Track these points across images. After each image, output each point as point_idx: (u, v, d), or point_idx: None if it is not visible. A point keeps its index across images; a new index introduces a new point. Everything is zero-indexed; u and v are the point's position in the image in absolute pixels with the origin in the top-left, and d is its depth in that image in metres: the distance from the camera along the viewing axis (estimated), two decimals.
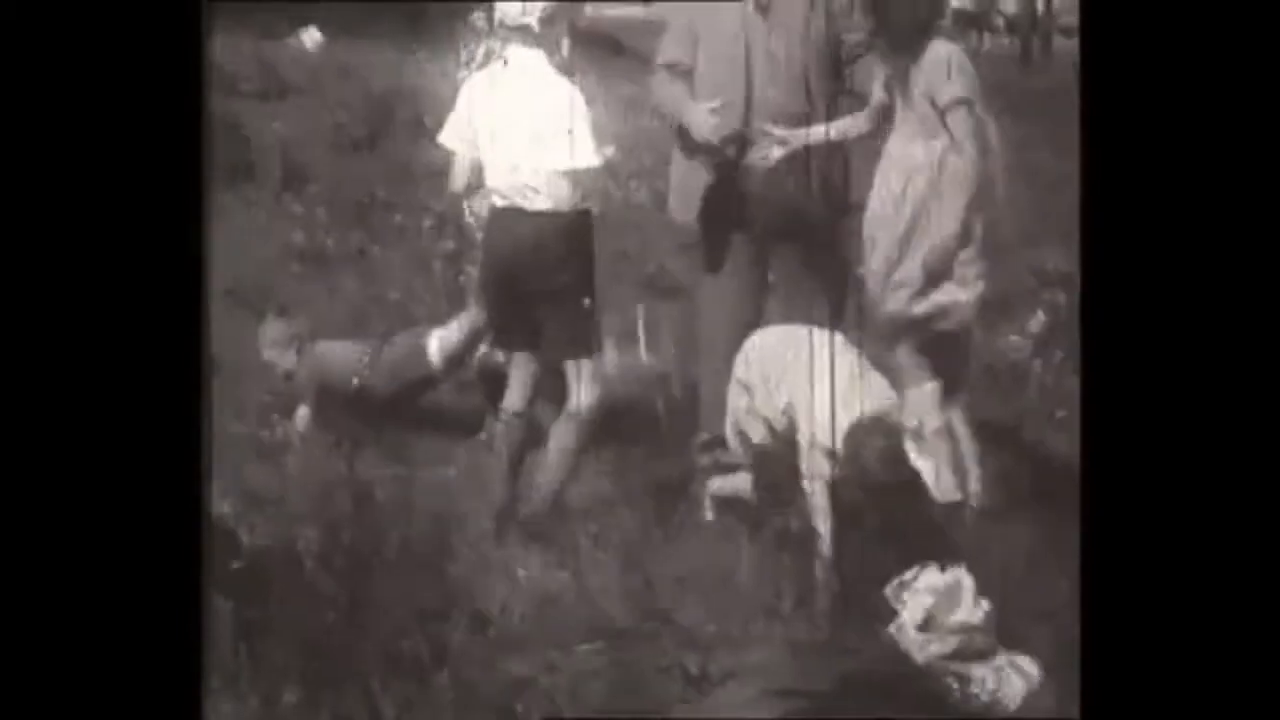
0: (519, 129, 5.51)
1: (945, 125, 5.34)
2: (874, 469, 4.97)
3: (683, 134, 6.00)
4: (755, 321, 5.94)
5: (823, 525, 5.24)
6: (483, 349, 6.50)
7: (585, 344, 5.63)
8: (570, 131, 5.39)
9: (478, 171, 5.70)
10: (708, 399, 6.08)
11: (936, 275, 5.44)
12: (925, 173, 5.40)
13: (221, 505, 5.07)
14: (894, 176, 5.49)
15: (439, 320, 6.89)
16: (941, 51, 5.42)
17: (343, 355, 6.44)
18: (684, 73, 6.03)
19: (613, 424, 6.01)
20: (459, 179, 5.73)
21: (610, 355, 6.27)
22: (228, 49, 19.10)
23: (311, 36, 20.48)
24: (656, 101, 6.26)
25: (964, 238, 5.38)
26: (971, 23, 29.01)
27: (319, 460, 5.96)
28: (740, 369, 5.56)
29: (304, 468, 5.86)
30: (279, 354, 6.46)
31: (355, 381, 6.32)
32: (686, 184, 6.09)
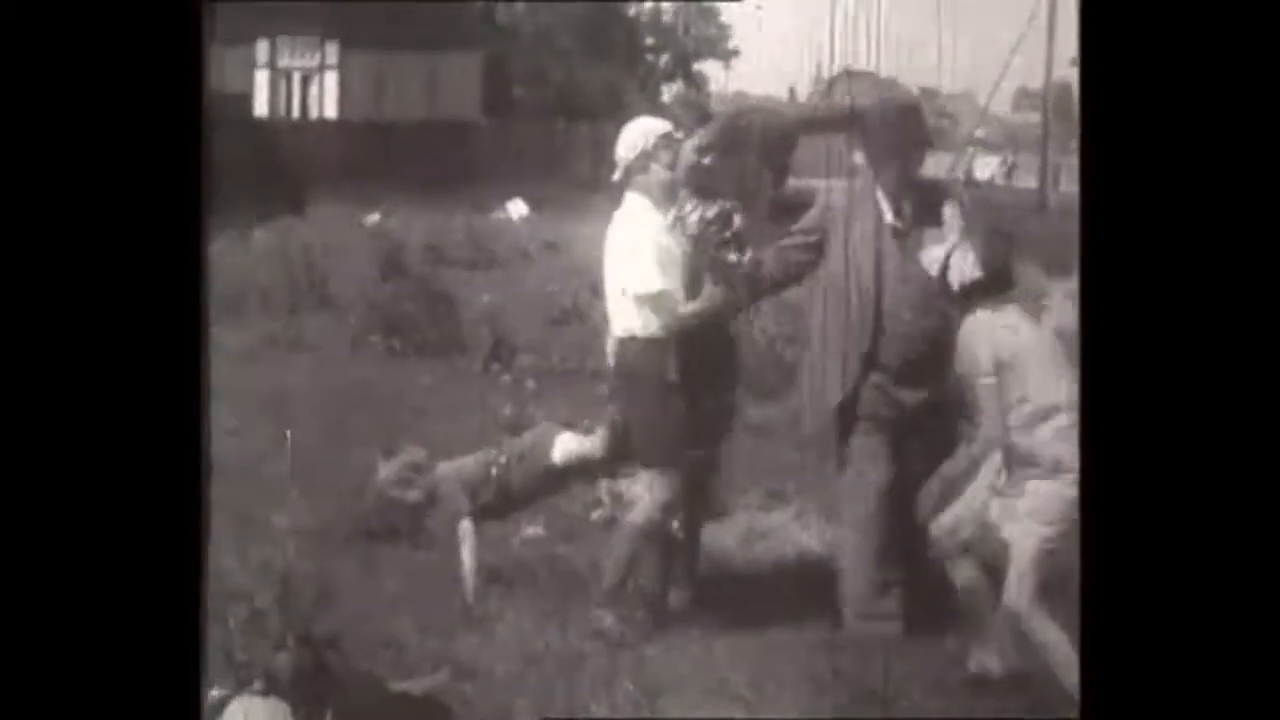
0: None
1: None
2: None
3: None
4: None
5: None
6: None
7: None
8: None
9: None
10: None
11: None
12: None
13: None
14: None
15: None
16: None
17: (469, 466, 6.44)
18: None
19: None
20: None
21: None
22: (437, 220, 19.87)
23: (518, 208, 21.02)
24: None
25: None
26: None
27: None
28: None
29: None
30: (401, 491, 6.44)
31: (493, 472, 6.30)
32: None
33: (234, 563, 6.15)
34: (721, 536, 6.78)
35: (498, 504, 6.31)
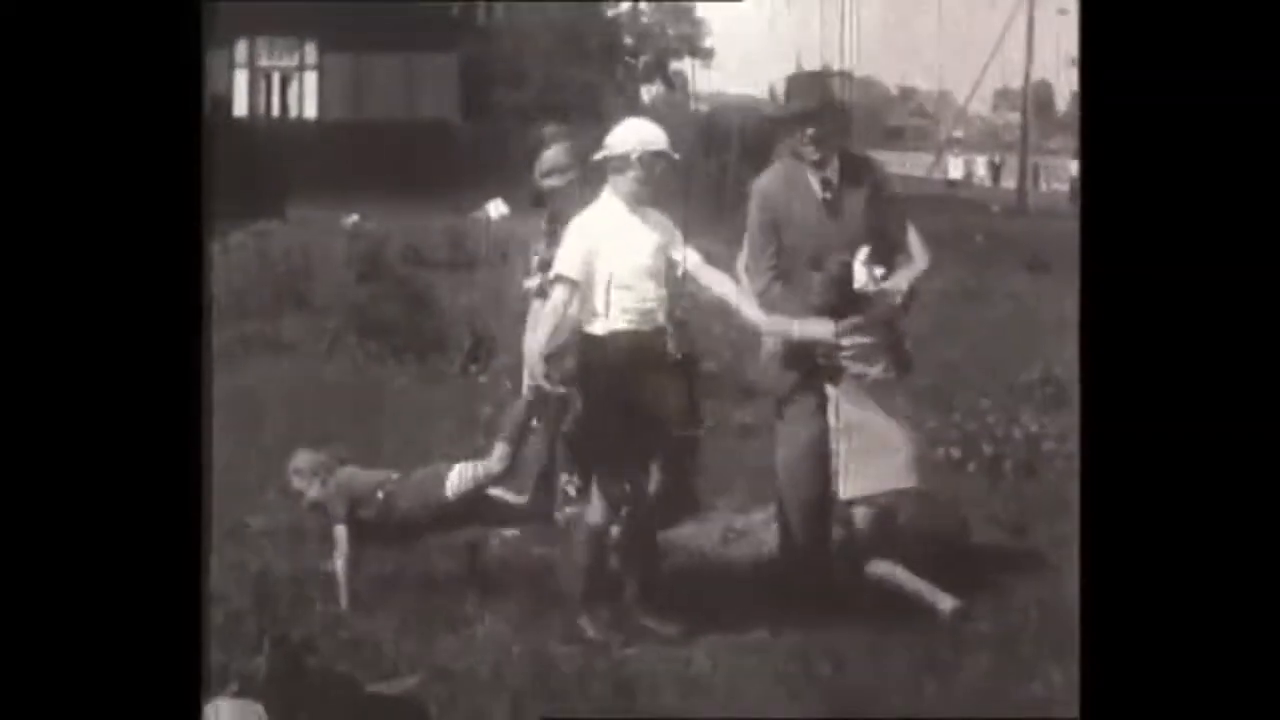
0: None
1: None
2: None
3: None
4: None
5: None
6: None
7: None
8: None
9: None
10: None
11: None
12: None
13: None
14: None
15: None
16: None
17: (360, 478, 6.42)
18: None
19: None
20: None
21: None
22: (416, 221, 19.84)
23: (497, 208, 20.98)
24: None
25: None
26: None
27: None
28: None
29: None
30: (305, 483, 6.41)
31: (379, 494, 6.28)
32: None
33: (210, 565, 6.15)
34: (698, 536, 6.79)
35: (378, 523, 6.24)
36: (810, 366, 6.11)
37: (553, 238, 6.20)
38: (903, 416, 6.13)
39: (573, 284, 5.80)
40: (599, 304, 5.81)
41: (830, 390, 6.10)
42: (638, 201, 5.90)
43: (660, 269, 5.89)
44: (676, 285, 5.93)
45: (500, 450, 6.21)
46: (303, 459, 6.42)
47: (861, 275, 6.03)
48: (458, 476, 6.26)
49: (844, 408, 6.08)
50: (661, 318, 5.87)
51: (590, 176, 6.14)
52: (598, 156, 5.96)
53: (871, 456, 6.06)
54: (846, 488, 6.08)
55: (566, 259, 5.83)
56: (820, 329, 6.02)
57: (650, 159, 5.86)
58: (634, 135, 5.91)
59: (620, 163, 5.87)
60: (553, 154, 6.40)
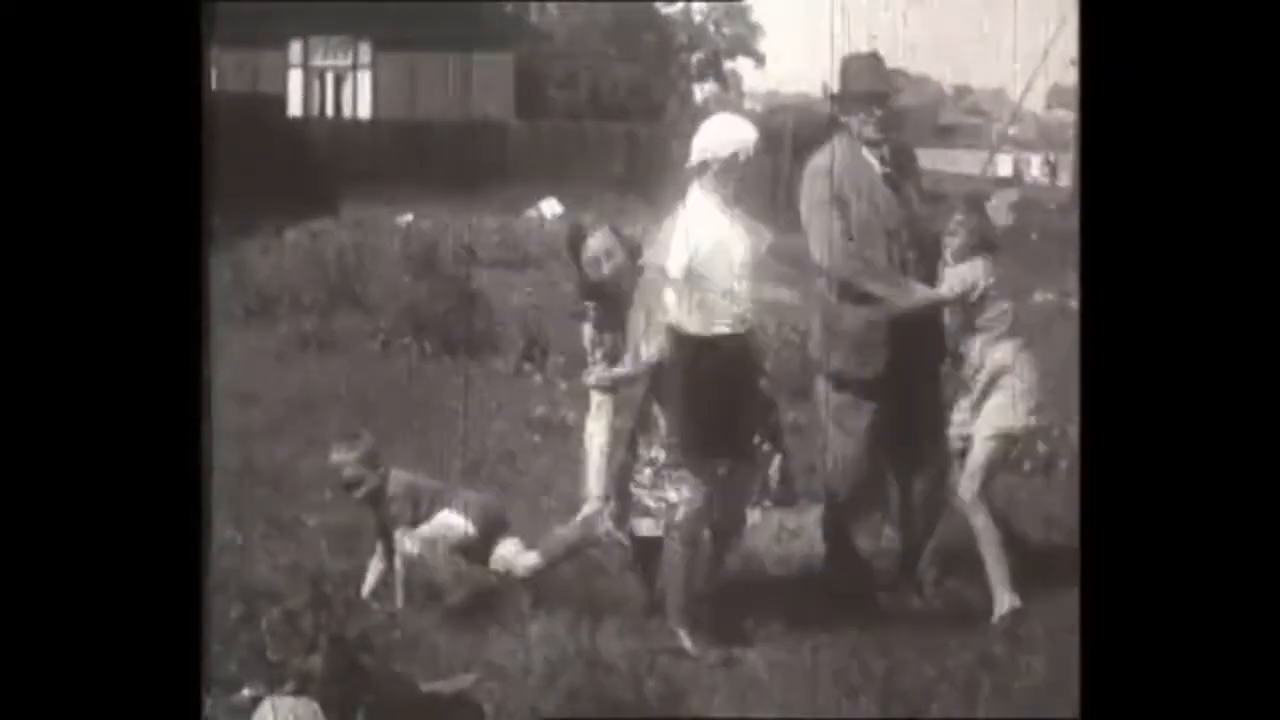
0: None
1: None
2: None
3: None
4: None
5: None
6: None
7: None
8: None
9: None
10: None
11: None
12: None
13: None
14: None
15: None
16: None
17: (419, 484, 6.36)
18: None
19: None
20: None
21: None
22: (470, 220, 19.89)
23: (551, 207, 21.03)
24: None
25: None
26: None
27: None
28: None
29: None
30: (356, 472, 6.30)
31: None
32: None
33: (266, 564, 6.18)
34: (750, 535, 6.78)
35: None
36: (918, 335, 6.18)
37: (609, 327, 6.18)
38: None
39: (675, 283, 5.76)
40: (698, 304, 5.77)
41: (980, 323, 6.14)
42: (732, 202, 5.85)
43: (753, 268, 5.85)
44: (762, 286, 5.91)
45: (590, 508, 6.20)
46: (345, 454, 6.34)
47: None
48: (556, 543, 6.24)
49: (980, 344, 6.15)
50: (755, 318, 5.88)
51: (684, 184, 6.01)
52: (696, 160, 5.86)
53: (1001, 393, 6.14)
54: (978, 423, 6.14)
55: (668, 258, 5.78)
56: (971, 272, 6.09)
57: (748, 157, 5.83)
58: (732, 135, 5.85)
59: (725, 164, 5.82)
60: (598, 241, 6.21)
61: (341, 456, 6.22)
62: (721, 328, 5.78)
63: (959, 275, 6.13)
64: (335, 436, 6.46)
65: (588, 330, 6.34)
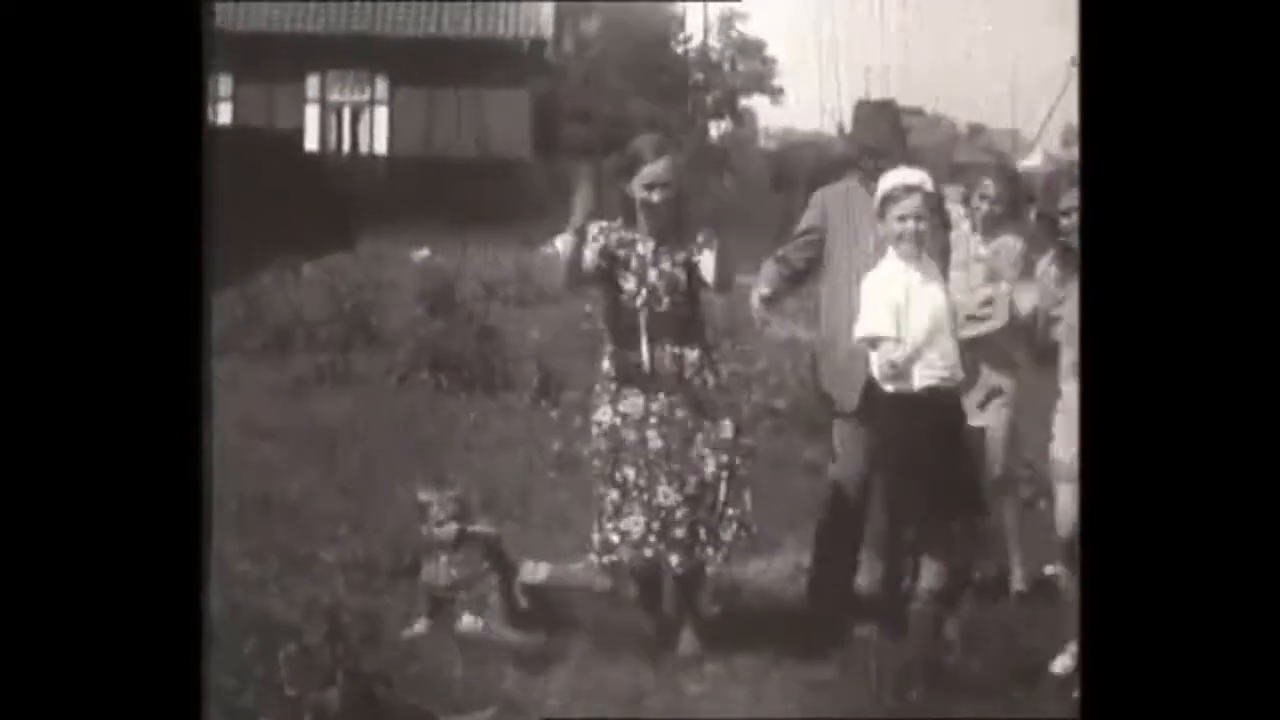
0: None
1: None
2: None
3: None
4: None
5: None
6: None
7: None
8: None
9: None
10: None
11: None
12: None
13: None
14: None
15: None
16: None
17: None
18: None
19: None
20: None
21: None
22: (486, 256, 19.96)
23: (566, 242, 21.02)
24: None
25: None
26: None
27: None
28: None
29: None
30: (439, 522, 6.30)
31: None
32: None
33: (282, 599, 6.16)
34: (767, 573, 6.76)
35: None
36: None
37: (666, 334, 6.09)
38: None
39: (890, 342, 5.49)
40: (907, 360, 5.50)
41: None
42: (915, 253, 5.61)
43: (948, 318, 5.62)
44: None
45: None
46: (434, 497, 6.34)
47: None
48: None
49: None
50: (960, 372, 5.67)
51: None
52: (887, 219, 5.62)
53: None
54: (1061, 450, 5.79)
55: (877, 318, 5.53)
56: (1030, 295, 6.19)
57: (903, 195, 5.57)
58: (914, 179, 5.62)
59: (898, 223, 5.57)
60: (657, 169, 5.93)
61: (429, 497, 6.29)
62: (933, 381, 5.56)
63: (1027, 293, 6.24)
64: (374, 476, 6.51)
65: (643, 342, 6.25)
